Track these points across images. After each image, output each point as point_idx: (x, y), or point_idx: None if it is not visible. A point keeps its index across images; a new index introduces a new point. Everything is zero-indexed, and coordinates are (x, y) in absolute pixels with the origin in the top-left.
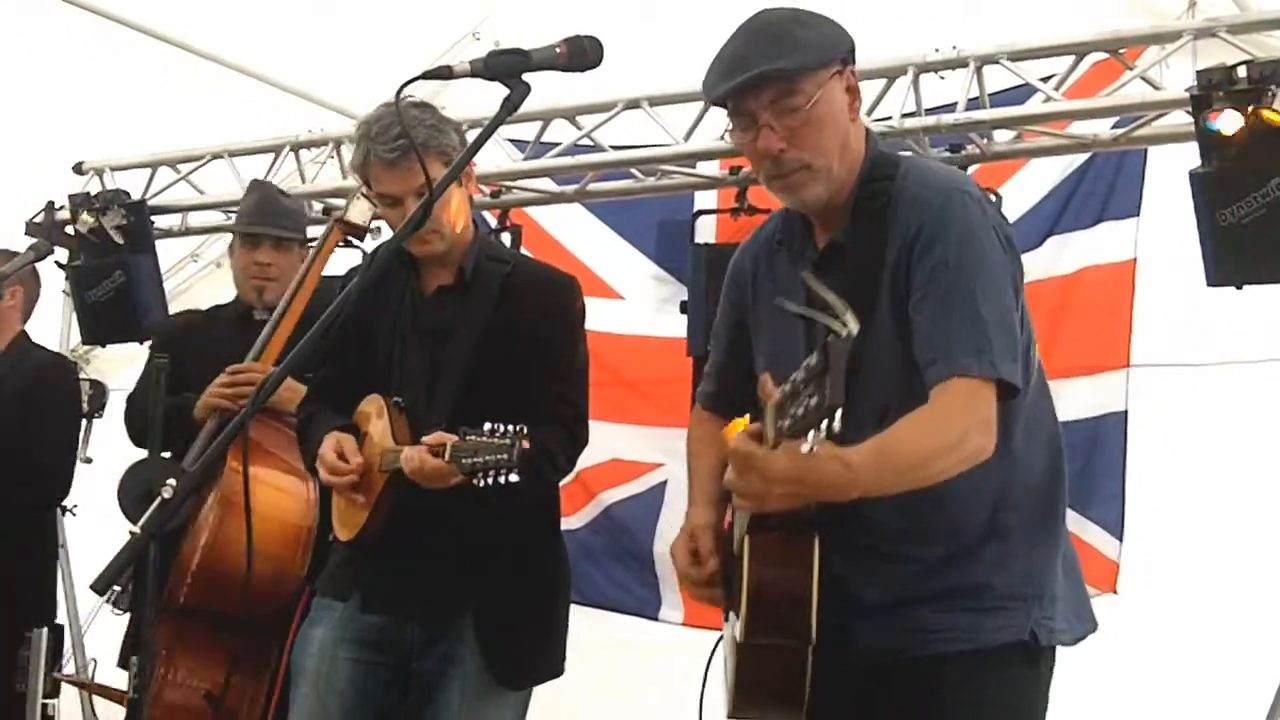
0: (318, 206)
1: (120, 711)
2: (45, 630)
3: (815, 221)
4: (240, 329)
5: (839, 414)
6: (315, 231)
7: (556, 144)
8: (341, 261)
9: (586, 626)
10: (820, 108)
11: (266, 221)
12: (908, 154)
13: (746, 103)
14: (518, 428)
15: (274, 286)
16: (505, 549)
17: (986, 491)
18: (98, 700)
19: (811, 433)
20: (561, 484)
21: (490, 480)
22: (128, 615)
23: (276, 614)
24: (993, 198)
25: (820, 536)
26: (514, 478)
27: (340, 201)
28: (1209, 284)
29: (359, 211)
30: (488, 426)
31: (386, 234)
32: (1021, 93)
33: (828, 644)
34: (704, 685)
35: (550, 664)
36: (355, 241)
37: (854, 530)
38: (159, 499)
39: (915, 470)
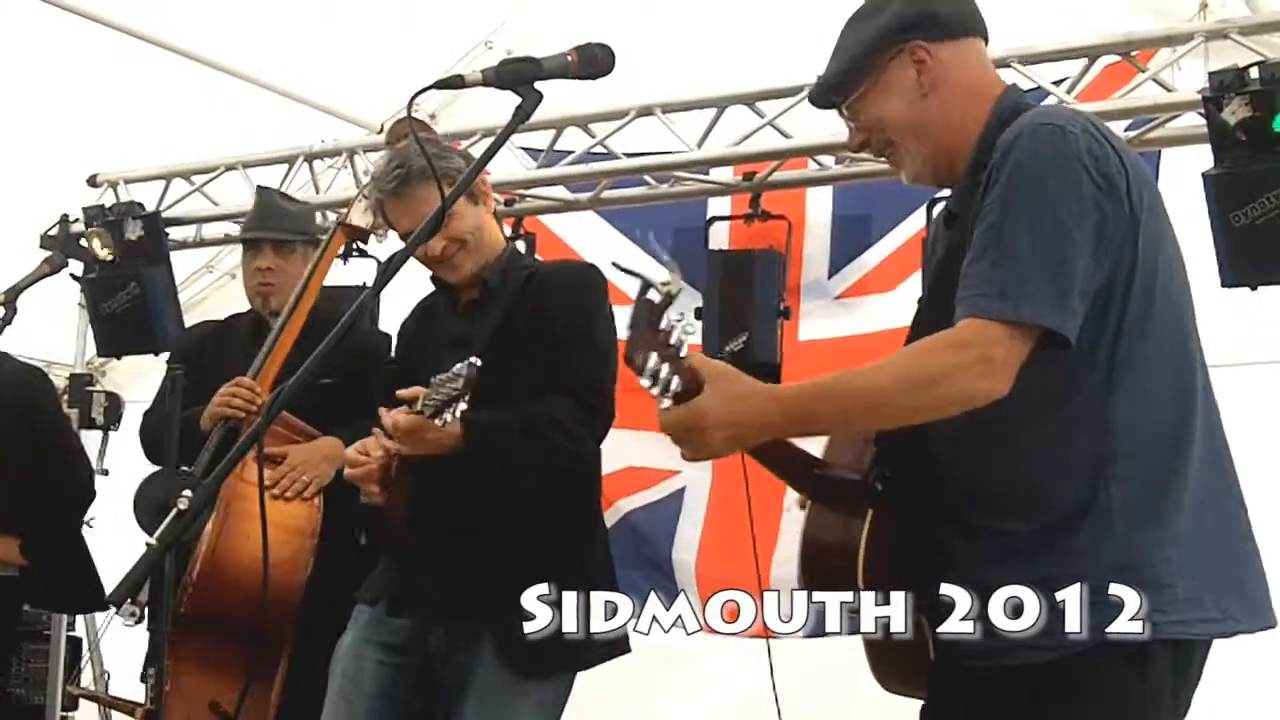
0: (332, 216)
1: None
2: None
3: None
4: (254, 338)
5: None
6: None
7: (570, 152)
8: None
9: None
10: (873, 101)
11: (264, 226)
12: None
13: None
14: (470, 359)
15: (278, 292)
16: (535, 551)
17: (1076, 456)
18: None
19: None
20: None
21: (451, 415)
22: (143, 628)
23: (284, 622)
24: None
25: (874, 513)
26: (463, 406)
27: None
28: (1223, 285)
29: (361, 214)
30: (452, 368)
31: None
32: (1034, 96)
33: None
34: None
35: (576, 651)
36: (361, 246)
37: (929, 495)
38: (175, 510)
39: (878, 410)
